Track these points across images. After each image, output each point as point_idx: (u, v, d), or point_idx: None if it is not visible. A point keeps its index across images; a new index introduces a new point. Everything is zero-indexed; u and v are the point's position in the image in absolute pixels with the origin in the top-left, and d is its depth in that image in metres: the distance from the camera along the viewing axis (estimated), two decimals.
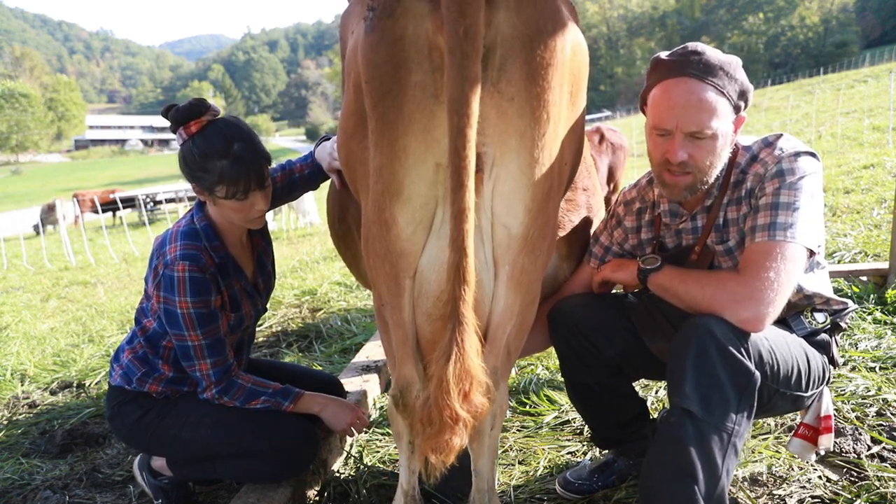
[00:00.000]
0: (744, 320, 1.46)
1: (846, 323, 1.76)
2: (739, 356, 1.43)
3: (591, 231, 2.10)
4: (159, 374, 2.04)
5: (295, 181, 2.21)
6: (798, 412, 1.83)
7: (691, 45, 1.63)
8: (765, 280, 1.47)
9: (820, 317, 1.72)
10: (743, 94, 1.62)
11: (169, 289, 1.86)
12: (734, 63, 1.60)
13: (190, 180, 1.91)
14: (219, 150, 1.82)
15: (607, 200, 3.89)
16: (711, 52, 1.60)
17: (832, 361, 1.75)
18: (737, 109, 1.63)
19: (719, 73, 1.57)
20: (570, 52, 1.35)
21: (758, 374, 1.45)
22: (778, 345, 1.56)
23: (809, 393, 1.67)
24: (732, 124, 1.63)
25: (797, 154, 1.60)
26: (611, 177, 4.51)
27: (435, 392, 1.27)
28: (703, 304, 1.53)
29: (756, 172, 1.64)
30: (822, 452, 1.85)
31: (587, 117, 1.67)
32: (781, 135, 1.67)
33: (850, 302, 1.75)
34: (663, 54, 1.67)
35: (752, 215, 1.60)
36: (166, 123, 1.93)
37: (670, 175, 1.65)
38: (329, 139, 2.15)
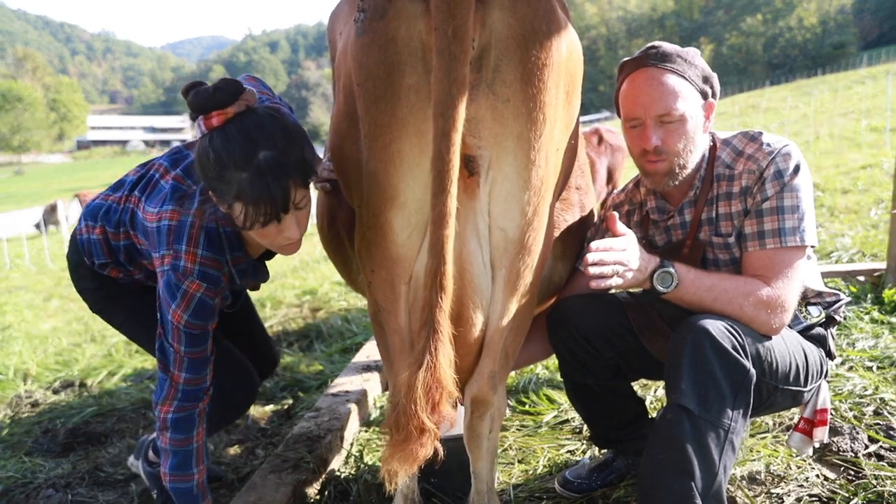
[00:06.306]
0: (771, 328, 1.57)
1: (840, 316, 1.78)
2: (735, 353, 1.45)
3: (585, 230, 2.09)
4: (125, 269, 1.87)
5: None
6: (797, 408, 1.84)
7: (650, 44, 1.73)
8: (786, 288, 1.57)
9: (814, 311, 1.74)
10: (707, 80, 1.70)
11: (172, 293, 1.62)
12: (691, 52, 1.70)
13: (207, 188, 1.50)
14: (237, 159, 1.37)
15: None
16: (667, 45, 1.69)
17: (829, 355, 1.77)
18: (704, 95, 1.70)
19: (677, 60, 1.66)
20: (566, 52, 1.34)
21: (753, 370, 1.47)
22: (775, 341, 1.58)
23: (808, 388, 1.69)
24: (702, 109, 1.70)
25: (787, 148, 1.64)
26: (610, 178, 4.52)
27: (404, 400, 1.24)
28: (730, 315, 1.56)
29: (749, 170, 1.67)
30: (817, 445, 1.86)
31: (586, 118, 1.69)
32: (760, 131, 1.71)
33: (841, 293, 1.77)
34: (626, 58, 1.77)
35: (757, 219, 1.63)
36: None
37: (649, 164, 1.71)
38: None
